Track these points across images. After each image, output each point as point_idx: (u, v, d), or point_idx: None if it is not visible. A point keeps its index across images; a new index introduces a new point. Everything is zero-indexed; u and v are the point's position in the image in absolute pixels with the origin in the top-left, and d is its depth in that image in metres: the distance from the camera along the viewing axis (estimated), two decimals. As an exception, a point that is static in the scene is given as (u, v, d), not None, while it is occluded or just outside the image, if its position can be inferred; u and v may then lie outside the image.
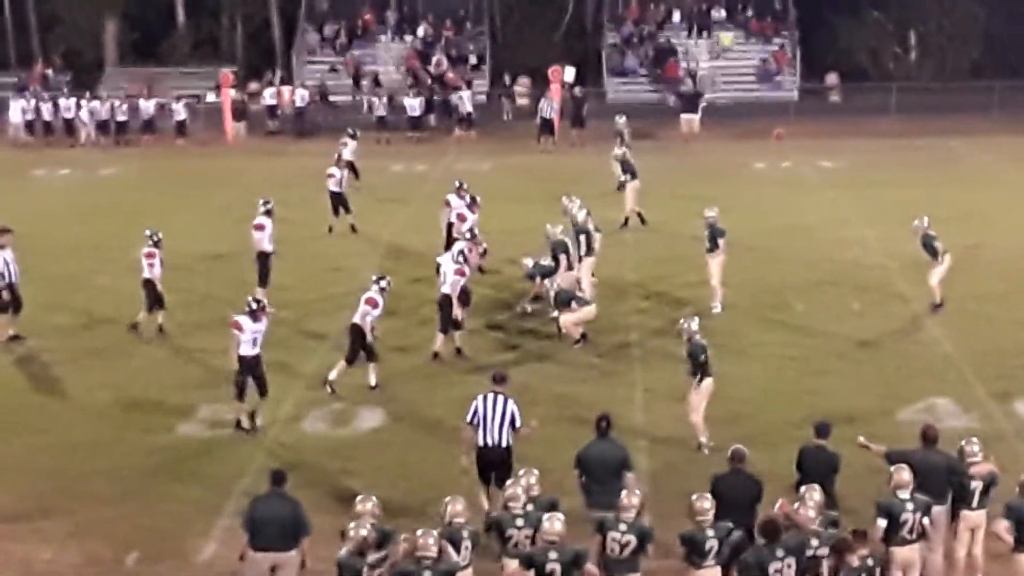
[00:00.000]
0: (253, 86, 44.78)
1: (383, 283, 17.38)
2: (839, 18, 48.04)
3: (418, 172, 33.91)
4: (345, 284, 21.25)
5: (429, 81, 43.84)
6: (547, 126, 38.46)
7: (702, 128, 39.14)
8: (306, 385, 17.50)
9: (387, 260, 23.76)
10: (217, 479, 14.63)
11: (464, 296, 18.91)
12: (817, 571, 10.59)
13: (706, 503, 10.82)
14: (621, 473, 12.24)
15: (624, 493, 11.11)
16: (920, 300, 20.54)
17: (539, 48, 47.58)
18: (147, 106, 40.12)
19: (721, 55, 47.43)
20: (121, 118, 39.77)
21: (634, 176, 26.28)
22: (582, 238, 20.27)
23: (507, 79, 46.15)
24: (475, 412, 13.12)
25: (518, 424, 13.09)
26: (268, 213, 21.30)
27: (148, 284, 19.48)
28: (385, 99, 40.46)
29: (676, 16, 48.39)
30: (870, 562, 10.48)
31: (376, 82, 44.15)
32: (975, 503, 11.81)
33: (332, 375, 17.15)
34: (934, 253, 20.04)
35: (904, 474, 11.28)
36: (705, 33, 47.83)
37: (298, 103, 41.49)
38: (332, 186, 26.24)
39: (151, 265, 19.42)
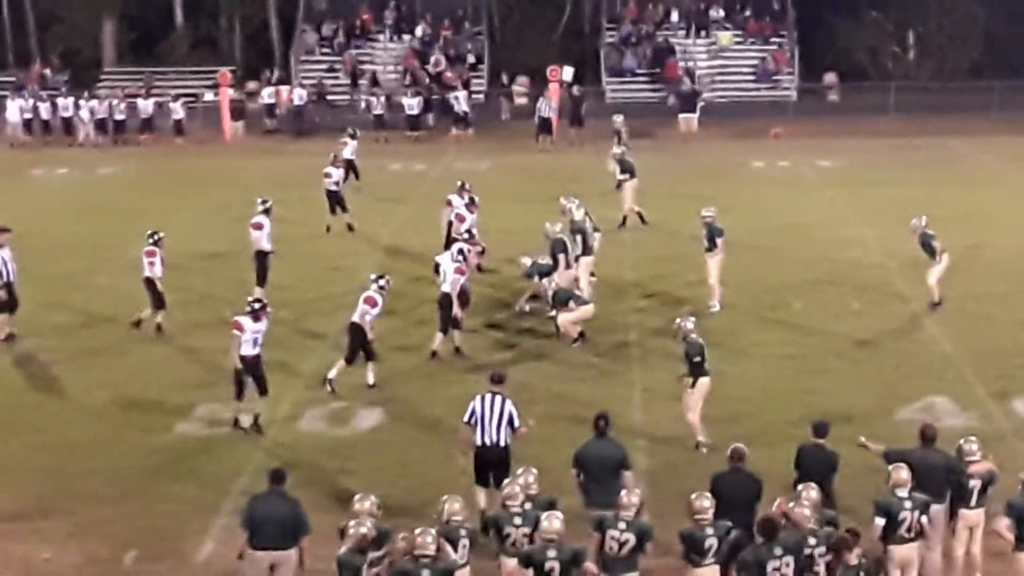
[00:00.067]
0: (251, 85, 44.80)
1: (382, 282, 17.38)
2: (838, 18, 48.04)
3: (417, 171, 33.91)
4: (344, 283, 21.25)
5: (427, 81, 43.83)
6: (545, 125, 38.48)
7: (700, 127, 39.16)
8: (305, 384, 17.50)
9: (386, 259, 23.74)
10: (215, 478, 14.62)
11: (463, 296, 18.91)
12: (813, 570, 10.58)
13: (705, 502, 10.82)
14: (619, 472, 12.23)
15: (624, 492, 11.11)
16: (919, 299, 20.55)
17: (537, 48, 47.59)
18: (145, 105, 40.11)
19: (719, 55, 47.43)
20: (119, 117, 39.78)
21: (632, 175, 26.29)
22: (578, 238, 20.27)
23: (505, 79, 46.14)
24: (472, 412, 13.11)
25: (516, 424, 13.08)
26: (266, 212, 21.30)
27: (148, 283, 19.46)
28: (383, 99, 40.47)
29: (674, 16, 48.38)
30: (863, 561, 10.48)
31: (374, 82, 44.14)
32: (973, 502, 11.81)
33: (331, 374, 17.14)
34: (932, 252, 20.05)
35: (902, 473, 11.28)
36: (703, 33, 47.83)
37: (296, 102, 41.51)
38: (329, 185, 26.26)
39: (151, 264, 19.41)
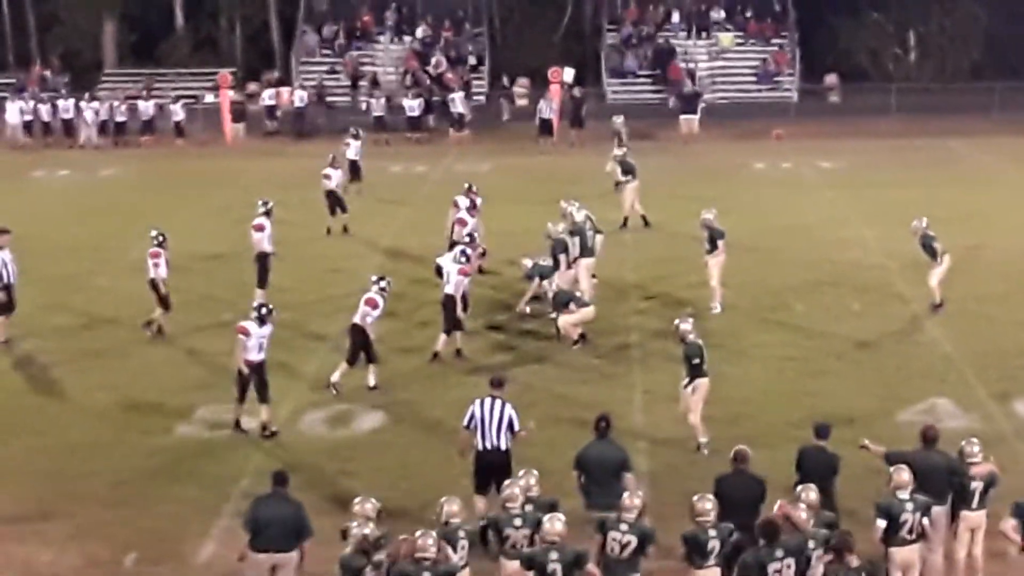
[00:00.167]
0: (252, 87, 44.79)
1: (383, 283, 17.37)
2: (839, 19, 48.04)
3: (417, 173, 33.91)
4: (345, 285, 21.24)
5: (428, 82, 43.84)
6: (546, 127, 38.48)
7: (701, 129, 39.16)
8: (306, 386, 17.49)
9: (387, 261, 23.75)
10: (216, 480, 14.61)
11: (463, 298, 18.89)
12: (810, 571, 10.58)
13: (707, 504, 10.80)
14: (620, 474, 12.22)
15: (626, 494, 11.10)
16: (920, 301, 20.53)
17: (538, 49, 47.59)
18: (146, 107, 40.12)
19: (720, 56, 47.42)
20: (120, 119, 39.76)
21: (633, 176, 26.28)
22: (576, 239, 20.25)
23: (506, 80, 46.14)
24: (472, 417, 13.06)
25: (516, 428, 13.04)
26: (267, 214, 21.28)
27: (153, 284, 19.44)
28: (383, 100, 40.47)
29: (675, 17, 48.37)
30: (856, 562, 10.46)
31: (374, 83, 44.14)
32: (975, 504, 11.79)
33: (335, 377, 17.13)
34: (933, 254, 20.03)
35: (904, 475, 11.27)
36: (704, 34, 47.82)
37: (297, 104, 41.50)
38: (329, 187, 26.25)
39: (156, 265, 19.40)
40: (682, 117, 39.42)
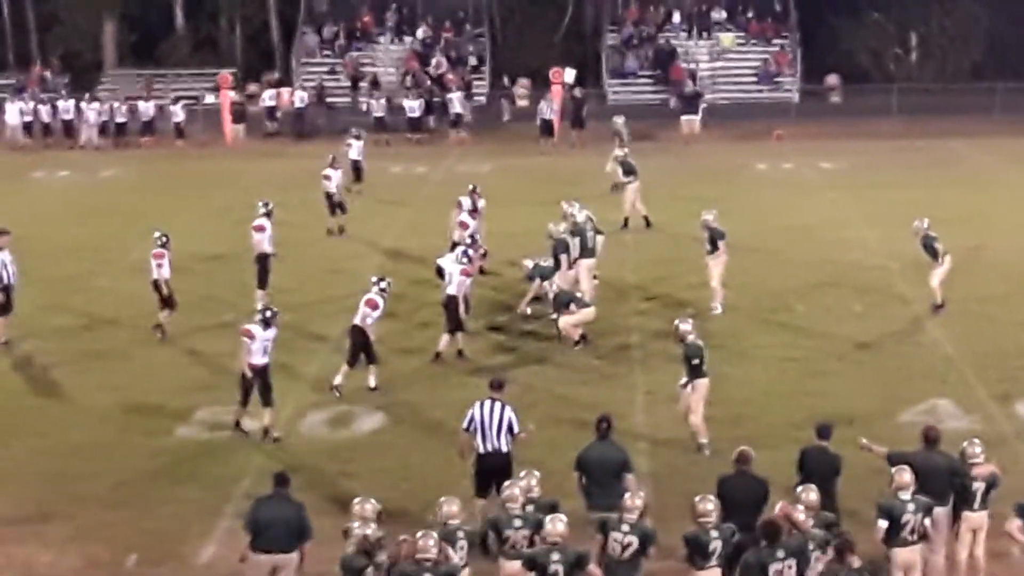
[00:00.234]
0: (252, 88, 44.79)
1: (383, 284, 17.37)
2: (840, 19, 48.05)
3: (418, 174, 33.91)
4: (345, 286, 21.22)
5: (428, 82, 43.84)
6: (547, 127, 38.48)
7: (702, 129, 39.18)
8: (307, 387, 17.48)
9: (387, 262, 23.75)
10: (217, 481, 14.61)
11: (464, 299, 18.86)
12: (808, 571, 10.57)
13: (709, 504, 10.79)
14: (621, 475, 12.22)
15: (627, 495, 11.09)
16: (921, 301, 20.52)
17: (539, 50, 47.59)
18: (146, 108, 40.12)
19: (721, 56, 47.42)
20: (120, 120, 39.75)
21: (635, 177, 26.26)
22: (577, 240, 20.25)
23: (507, 81, 46.14)
24: (471, 419, 13.02)
25: (516, 430, 12.99)
26: (268, 215, 21.27)
27: (156, 285, 19.43)
28: (383, 101, 40.47)
29: (676, 17, 48.38)
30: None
31: (374, 84, 44.13)
32: (977, 504, 11.78)
33: (337, 380, 17.11)
34: (934, 254, 20.03)
35: (905, 475, 11.26)
36: (705, 34, 47.83)
37: (297, 105, 41.51)
38: (328, 188, 26.24)
39: (159, 266, 19.39)
40: (683, 118, 39.43)
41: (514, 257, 21.64)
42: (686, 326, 15.17)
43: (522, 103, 44.61)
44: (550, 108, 38.77)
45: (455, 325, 18.35)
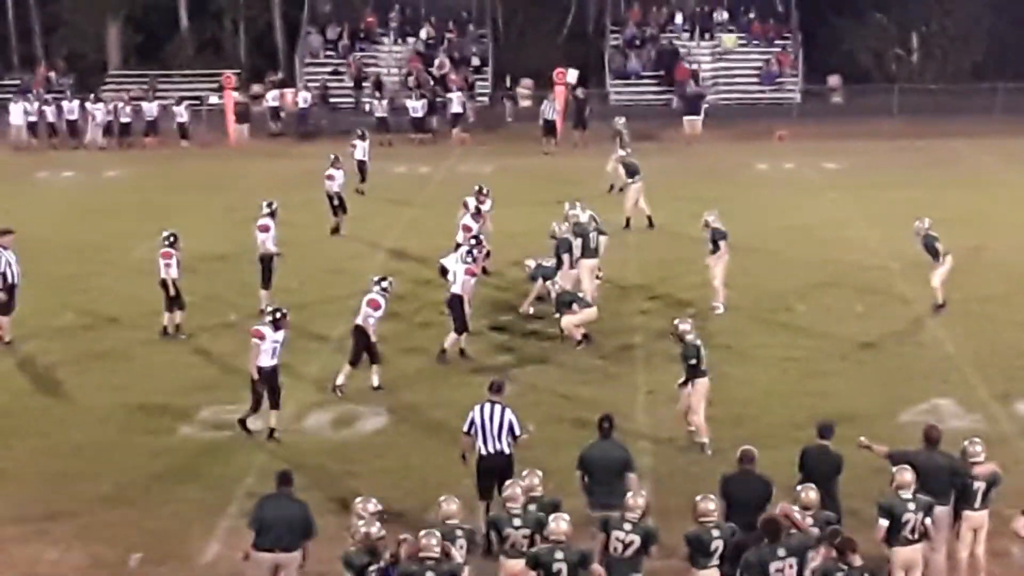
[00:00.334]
0: (256, 88, 44.85)
1: (385, 284, 17.38)
2: (841, 20, 48.07)
3: (421, 174, 33.95)
4: (348, 286, 21.26)
5: (431, 83, 43.89)
6: (549, 128, 38.52)
7: (704, 130, 39.20)
8: (309, 387, 17.50)
9: (390, 262, 23.79)
10: (220, 481, 14.65)
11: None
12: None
13: (710, 504, 10.83)
14: (623, 474, 12.25)
15: (630, 494, 11.12)
16: (922, 301, 20.55)
17: (541, 50, 47.63)
18: (150, 108, 40.17)
19: (723, 57, 47.45)
20: (125, 120, 39.79)
21: (638, 177, 26.27)
22: (579, 240, 20.29)
23: (509, 81, 46.19)
24: (472, 423, 13.02)
25: (517, 432, 12.99)
26: (272, 215, 21.29)
27: (164, 285, 19.48)
28: (385, 102, 40.52)
29: (678, 18, 48.40)
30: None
31: (377, 84, 44.20)
32: (977, 503, 11.81)
33: (339, 380, 17.16)
34: (935, 254, 20.05)
35: (906, 474, 11.29)
36: (707, 35, 47.85)
37: (301, 105, 41.56)
38: (331, 188, 26.29)
39: (167, 266, 19.41)
40: (685, 118, 39.46)
41: (516, 257, 21.68)
42: (685, 326, 15.22)
43: (525, 104, 44.66)
44: (552, 109, 38.79)
45: (462, 324, 18.40)
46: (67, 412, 17.07)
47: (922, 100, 43.06)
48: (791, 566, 10.42)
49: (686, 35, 47.89)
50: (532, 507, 11.20)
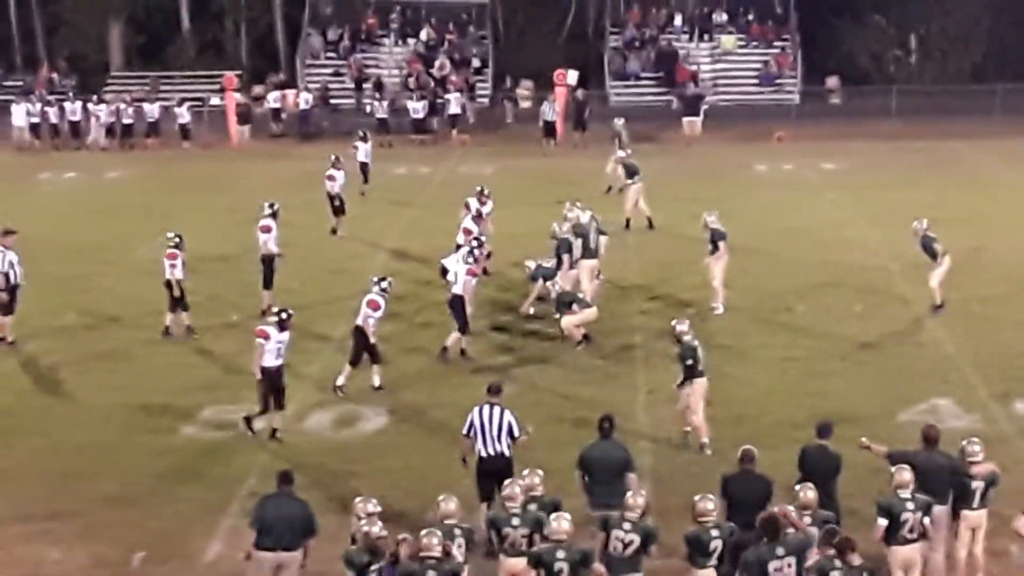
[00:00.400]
0: (257, 89, 44.92)
1: (384, 284, 17.40)
2: (840, 21, 48.15)
3: (421, 175, 34.00)
4: (349, 286, 21.31)
5: (432, 84, 43.96)
6: (550, 129, 38.58)
7: (704, 131, 39.26)
8: (310, 387, 17.55)
9: (391, 262, 23.85)
10: (221, 480, 14.69)
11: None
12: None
13: (709, 504, 10.86)
14: (623, 474, 12.28)
15: (629, 493, 11.16)
16: (921, 302, 20.60)
17: (541, 52, 47.72)
18: (152, 109, 40.22)
19: (723, 58, 47.51)
20: (127, 121, 39.84)
21: (638, 177, 26.32)
22: (579, 241, 20.35)
23: (509, 82, 46.25)
24: (471, 425, 13.02)
25: (516, 434, 12.98)
26: (274, 215, 21.34)
27: (169, 286, 19.54)
28: (386, 102, 40.57)
29: (678, 20, 48.49)
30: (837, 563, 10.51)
31: (378, 86, 44.27)
32: (976, 503, 11.85)
33: (340, 380, 17.20)
34: (934, 255, 20.10)
35: (905, 474, 11.33)
36: (707, 36, 47.92)
37: (302, 106, 41.62)
38: (332, 188, 26.34)
39: (173, 267, 19.46)
40: (684, 119, 39.53)
41: (517, 258, 21.73)
42: (682, 327, 15.27)
43: (525, 105, 44.73)
44: (552, 110, 38.87)
45: (464, 323, 18.46)
46: (69, 412, 17.12)
47: (921, 101, 43.12)
48: (790, 565, 10.44)
49: (685, 36, 47.97)
50: (532, 507, 11.24)
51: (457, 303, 18.43)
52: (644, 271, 23.25)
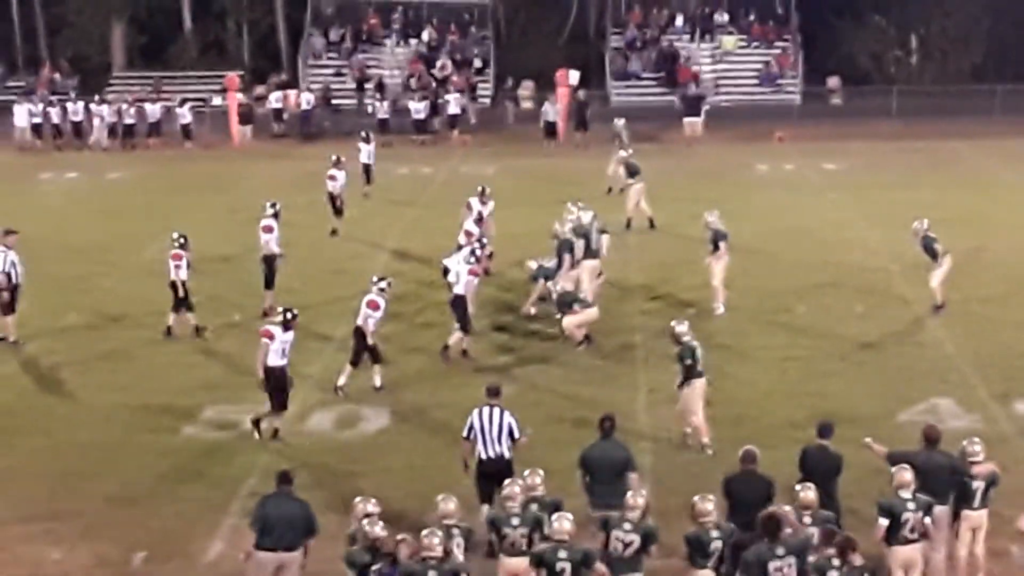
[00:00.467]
0: (259, 90, 44.94)
1: (383, 284, 17.41)
2: (841, 22, 48.19)
3: (423, 175, 34.03)
4: (350, 286, 21.31)
5: (434, 84, 43.99)
6: (551, 129, 38.60)
7: (705, 131, 39.28)
8: (311, 387, 17.57)
9: (392, 262, 23.87)
10: (223, 480, 14.72)
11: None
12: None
13: (709, 504, 10.88)
14: (624, 474, 12.30)
15: (630, 493, 11.18)
16: (922, 302, 20.62)
17: (543, 52, 47.75)
18: (153, 110, 40.25)
19: (724, 59, 47.53)
20: (128, 121, 39.85)
21: (639, 177, 26.34)
22: (581, 241, 20.38)
23: (511, 83, 46.29)
24: (471, 427, 13.01)
25: (516, 435, 12.97)
26: (276, 215, 21.36)
27: (174, 286, 19.56)
28: (388, 103, 40.60)
29: (679, 20, 48.53)
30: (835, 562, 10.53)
31: (380, 86, 44.31)
32: (977, 503, 11.86)
33: (341, 380, 17.23)
34: (934, 255, 20.12)
35: (906, 474, 11.35)
36: (708, 37, 47.95)
37: (304, 107, 41.65)
38: (333, 188, 26.37)
39: (177, 267, 19.48)
40: (685, 120, 39.55)
41: (518, 258, 21.75)
42: (681, 327, 15.28)
43: (526, 105, 44.77)
44: (554, 110, 38.90)
45: (466, 323, 18.49)
46: (71, 412, 17.14)
47: (921, 102, 43.12)
48: (790, 565, 10.46)
49: (686, 37, 48.01)
50: (532, 507, 11.26)
51: (459, 303, 18.47)
52: (645, 271, 23.27)
